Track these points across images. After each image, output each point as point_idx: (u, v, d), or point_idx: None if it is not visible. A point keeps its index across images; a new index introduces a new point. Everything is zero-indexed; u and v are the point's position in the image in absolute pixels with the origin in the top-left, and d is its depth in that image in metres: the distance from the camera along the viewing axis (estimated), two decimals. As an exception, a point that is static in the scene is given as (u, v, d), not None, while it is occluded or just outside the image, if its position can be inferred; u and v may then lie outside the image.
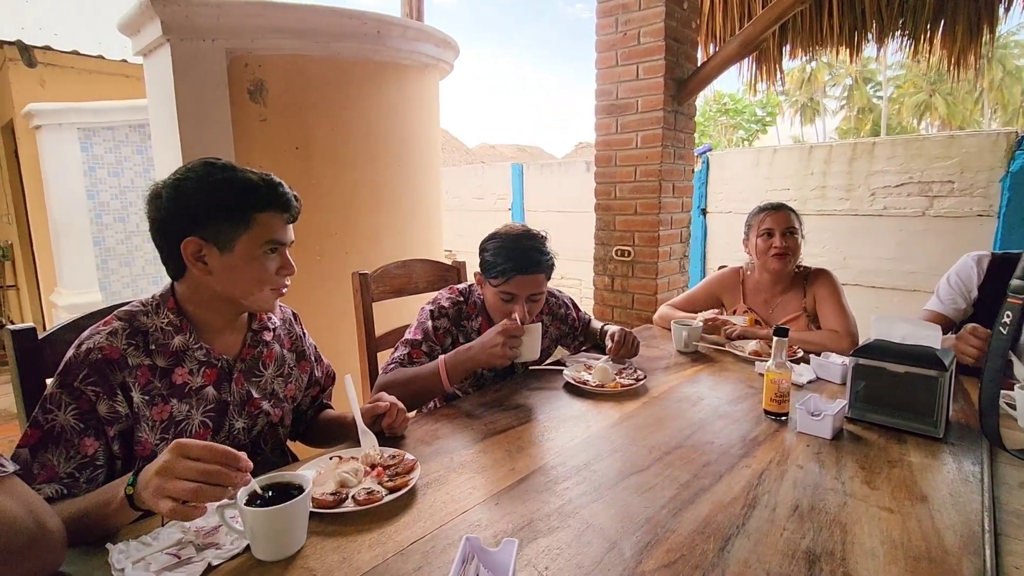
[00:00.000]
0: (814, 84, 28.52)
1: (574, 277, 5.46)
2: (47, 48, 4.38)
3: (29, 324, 1.00)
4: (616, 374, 1.42)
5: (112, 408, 0.88)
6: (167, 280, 1.00)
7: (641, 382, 1.39)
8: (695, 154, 3.64)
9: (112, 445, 0.89)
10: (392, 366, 1.38)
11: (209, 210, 0.91)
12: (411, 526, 0.80)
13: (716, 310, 1.92)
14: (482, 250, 1.42)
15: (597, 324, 1.77)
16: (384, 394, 1.11)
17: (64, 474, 0.83)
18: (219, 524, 0.77)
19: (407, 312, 1.82)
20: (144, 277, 4.41)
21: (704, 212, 4.65)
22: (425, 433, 1.13)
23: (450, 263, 1.94)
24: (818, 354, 1.54)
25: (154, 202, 0.93)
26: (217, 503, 0.72)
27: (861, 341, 1.33)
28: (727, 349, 1.73)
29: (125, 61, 4.68)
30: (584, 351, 1.73)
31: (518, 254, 1.36)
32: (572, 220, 5.40)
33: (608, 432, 1.14)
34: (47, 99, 4.25)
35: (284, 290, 1.03)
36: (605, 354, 1.58)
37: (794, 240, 1.81)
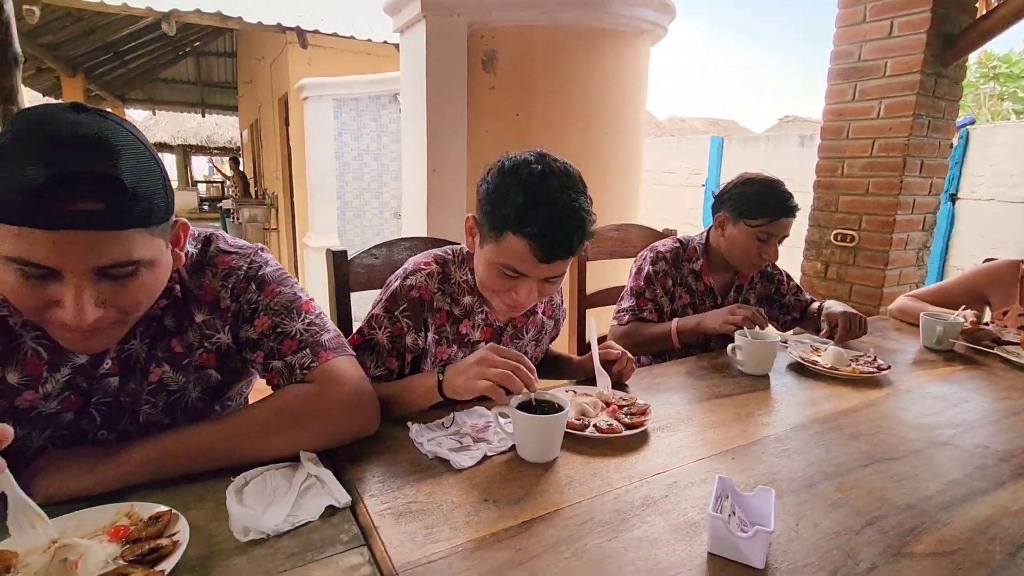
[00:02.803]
0: None
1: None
2: (315, 32, 5.28)
3: (342, 248, 1.27)
4: (851, 360, 1.31)
5: (415, 341, 1.05)
6: (388, 231, 1.16)
7: (884, 372, 1.26)
8: (956, 126, 3.04)
9: (405, 369, 1.07)
10: (625, 316, 1.53)
11: (485, 199, 0.97)
12: (651, 460, 0.86)
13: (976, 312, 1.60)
14: (735, 194, 1.50)
15: (815, 305, 1.64)
16: (614, 343, 1.18)
17: (370, 375, 1.03)
18: (490, 423, 0.91)
19: (616, 274, 1.87)
20: (371, 228, 5.17)
21: (953, 198, 3.89)
22: (648, 384, 1.18)
23: (661, 230, 1.93)
24: None
25: None
26: (494, 408, 0.86)
27: None
28: (995, 352, 1.46)
29: (370, 40, 5.42)
30: (797, 332, 1.62)
31: (780, 196, 1.46)
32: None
33: (846, 416, 1.06)
34: (312, 75, 5.14)
35: (516, 311, 1.03)
36: (819, 335, 1.47)
37: None
